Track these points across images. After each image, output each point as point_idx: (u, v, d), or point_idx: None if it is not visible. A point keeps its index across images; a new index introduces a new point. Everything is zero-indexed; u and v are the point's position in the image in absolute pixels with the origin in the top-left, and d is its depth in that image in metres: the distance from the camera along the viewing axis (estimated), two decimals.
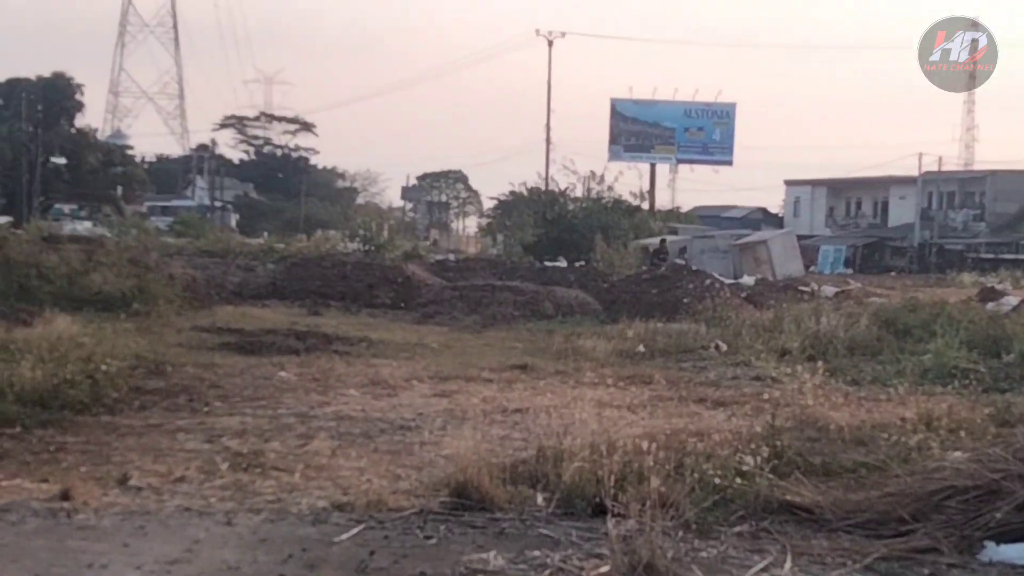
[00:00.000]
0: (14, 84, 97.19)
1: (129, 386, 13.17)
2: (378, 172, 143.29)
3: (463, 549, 6.80)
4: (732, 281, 33.79)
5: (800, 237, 52.78)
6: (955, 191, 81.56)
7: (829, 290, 34.19)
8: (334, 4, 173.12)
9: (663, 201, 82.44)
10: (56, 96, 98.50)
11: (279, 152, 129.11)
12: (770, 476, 8.14)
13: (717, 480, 7.92)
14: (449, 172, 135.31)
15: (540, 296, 27.81)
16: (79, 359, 13.40)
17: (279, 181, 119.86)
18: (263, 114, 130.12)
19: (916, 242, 76.71)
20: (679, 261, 38.40)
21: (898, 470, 8.29)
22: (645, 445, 8.17)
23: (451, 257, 50.48)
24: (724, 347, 18.93)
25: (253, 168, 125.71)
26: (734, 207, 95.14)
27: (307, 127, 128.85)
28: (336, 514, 7.55)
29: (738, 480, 8.01)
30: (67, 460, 9.36)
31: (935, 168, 77.70)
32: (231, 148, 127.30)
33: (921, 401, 12.25)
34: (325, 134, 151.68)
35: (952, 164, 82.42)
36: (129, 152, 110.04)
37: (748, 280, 36.22)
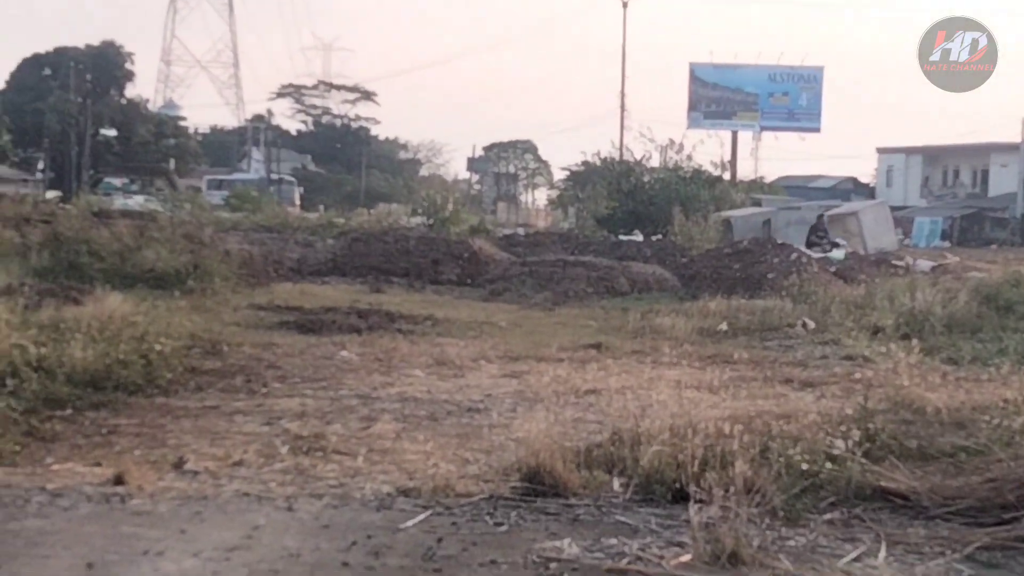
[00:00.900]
0: (62, 53, 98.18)
1: (184, 366, 13.28)
2: (442, 143, 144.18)
3: (535, 536, 6.80)
4: (820, 255, 33.45)
5: (893, 208, 52.16)
6: None
7: (925, 264, 33.82)
8: None
9: (746, 171, 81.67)
10: (106, 65, 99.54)
11: (338, 122, 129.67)
12: (862, 461, 8.03)
13: (806, 465, 7.83)
14: (517, 142, 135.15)
15: (615, 272, 27.73)
16: (132, 338, 13.53)
17: (338, 153, 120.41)
18: (321, 83, 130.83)
19: (1019, 213, 75.46)
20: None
21: (1001, 454, 8.14)
22: (728, 428, 8.10)
23: (520, 231, 50.42)
24: (812, 325, 18.76)
25: (311, 139, 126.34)
26: (822, 177, 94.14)
27: (368, 96, 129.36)
28: (401, 500, 7.57)
29: (828, 465, 7.92)
30: (120, 443, 9.45)
31: None
32: (288, 119, 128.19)
33: None
34: (387, 103, 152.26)
35: None
36: (182, 123, 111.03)
37: (838, 254, 35.83)
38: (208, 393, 12.04)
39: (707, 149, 62.05)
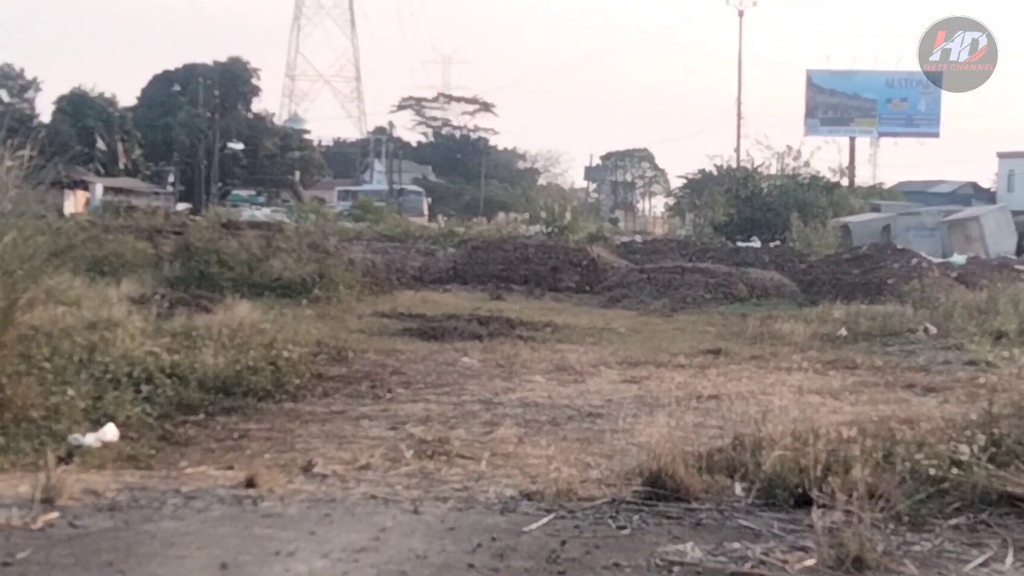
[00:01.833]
0: (191, 69, 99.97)
1: (311, 373, 13.44)
2: (560, 152, 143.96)
3: (658, 540, 6.75)
4: (941, 260, 32.89)
5: (1015, 213, 50.98)
6: None
7: None
8: None
9: (864, 177, 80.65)
10: (233, 81, 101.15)
11: (458, 133, 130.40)
12: (988, 466, 7.85)
13: (930, 470, 7.67)
14: (634, 151, 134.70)
15: (733, 278, 27.53)
16: (260, 345, 13.72)
17: (458, 163, 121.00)
18: (441, 95, 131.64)
19: None
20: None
21: None
22: (851, 433, 7.99)
23: (637, 238, 50.36)
24: (933, 330, 18.44)
25: (431, 150, 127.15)
26: (942, 182, 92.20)
27: (486, 107, 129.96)
28: (525, 503, 7.55)
29: (953, 470, 7.74)
30: (251, 447, 9.57)
31: None
32: (409, 130, 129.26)
33: None
34: (505, 114, 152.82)
35: None
36: (306, 136, 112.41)
37: (958, 259, 35.15)
38: (335, 398, 12.15)
39: (825, 155, 61.61)
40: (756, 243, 42.50)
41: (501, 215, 73.16)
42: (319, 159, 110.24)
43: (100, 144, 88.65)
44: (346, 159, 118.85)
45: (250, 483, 7.79)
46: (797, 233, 41.46)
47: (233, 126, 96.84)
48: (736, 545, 6.64)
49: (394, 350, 16.05)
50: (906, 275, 26.15)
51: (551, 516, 7.19)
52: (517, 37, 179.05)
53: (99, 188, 71.33)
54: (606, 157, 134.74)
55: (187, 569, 6.13)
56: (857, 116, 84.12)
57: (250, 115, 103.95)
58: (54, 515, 6.91)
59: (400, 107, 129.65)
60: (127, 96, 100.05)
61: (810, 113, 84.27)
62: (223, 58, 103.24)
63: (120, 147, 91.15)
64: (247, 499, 7.49)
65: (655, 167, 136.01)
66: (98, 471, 8.25)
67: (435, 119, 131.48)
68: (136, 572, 6.08)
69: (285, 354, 13.54)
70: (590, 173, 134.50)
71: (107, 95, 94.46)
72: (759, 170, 55.28)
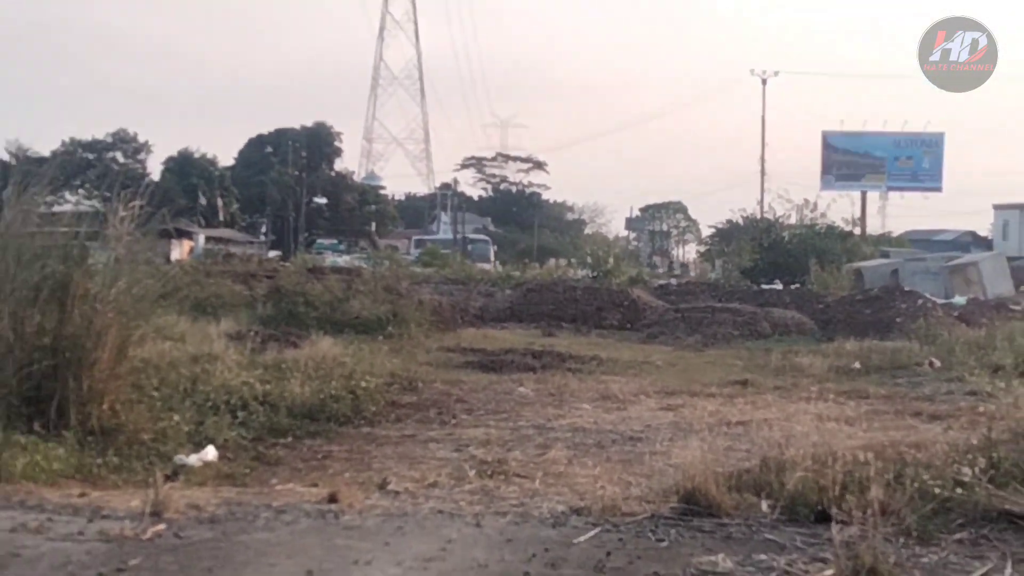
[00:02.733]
0: (281, 133, 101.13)
1: (385, 400, 13.47)
2: (604, 205, 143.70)
3: (693, 552, 6.68)
4: (943, 301, 32.48)
5: (1009, 259, 50.46)
6: None
7: None
8: (563, 53, 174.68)
9: (874, 226, 79.99)
10: (318, 143, 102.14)
11: (514, 189, 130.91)
12: (988, 486, 7.73)
13: (936, 489, 7.56)
14: (669, 203, 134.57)
15: (757, 317, 27.37)
16: (341, 376, 13.77)
17: (514, 215, 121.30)
18: (499, 155, 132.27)
19: None
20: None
21: None
22: (864, 456, 7.90)
23: (672, 281, 50.09)
24: (938, 364, 18.22)
25: (491, 203, 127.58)
26: (944, 231, 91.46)
27: (539, 165, 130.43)
28: (574, 518, 7.50)
29: (957, 490, 7.64)
30: (333, 467, 9.59)
31: None
32: (471, 186, 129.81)
33: None
34: (555, 171, 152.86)
35: None
36: (381, 191, 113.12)
37: (959, 300, 34.70)
38: (406, 423, 12.16)
39: (839, 208, 61.24)
40: (778, 285, 42.20)
41: (552, 261, 73.15)
42: (393, 212, 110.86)
43: (202, 199, 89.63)
44: (416, 211, 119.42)
45: (332, 499, 7.79)
46: (815, 277, 41.27)
47: (318, 183, 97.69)
48: (763, 557, 6.57)
49: (458, 380, 16.04)
50: (913, 314, 25.92)
51: (598, 530, 7.14)
52: (566, 104, 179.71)
53: (201, 238, 71.97)
54: (645, 209, 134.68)
55: (278, 574, 6.14)
56: (868, 172, 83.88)
57: (333, 173, 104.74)
58: (161, 527, 6.94)
59: (463, 166, 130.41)
60: (226, 156, 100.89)
61: (826, 170, 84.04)
62: (309, 123, 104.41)
63: (220, 202, 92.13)
64: (330, 513, 7.48)
65: (688, 218, 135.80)
66: (200, 488, 8.29)
67: (494, 176, 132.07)
68: None
69: (363, 384, 13.59)
70: (630, 223, 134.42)
71: (209, 156, 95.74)
72: (780, 221, 55.10)
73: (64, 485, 8.15)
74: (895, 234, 77.10)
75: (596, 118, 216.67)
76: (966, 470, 7.97)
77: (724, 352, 22.29)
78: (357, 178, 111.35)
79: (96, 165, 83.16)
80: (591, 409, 13.47)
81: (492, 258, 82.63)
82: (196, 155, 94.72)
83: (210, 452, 9.41)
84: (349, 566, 6.29)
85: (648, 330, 26.85)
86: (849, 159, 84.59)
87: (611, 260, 47.68)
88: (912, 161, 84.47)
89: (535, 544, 6.79)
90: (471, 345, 21.74)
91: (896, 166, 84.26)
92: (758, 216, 59.60)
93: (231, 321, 19.76)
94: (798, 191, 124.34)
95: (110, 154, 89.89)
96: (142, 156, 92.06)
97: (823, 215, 55.04)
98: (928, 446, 9.22)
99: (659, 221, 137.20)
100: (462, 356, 19.60)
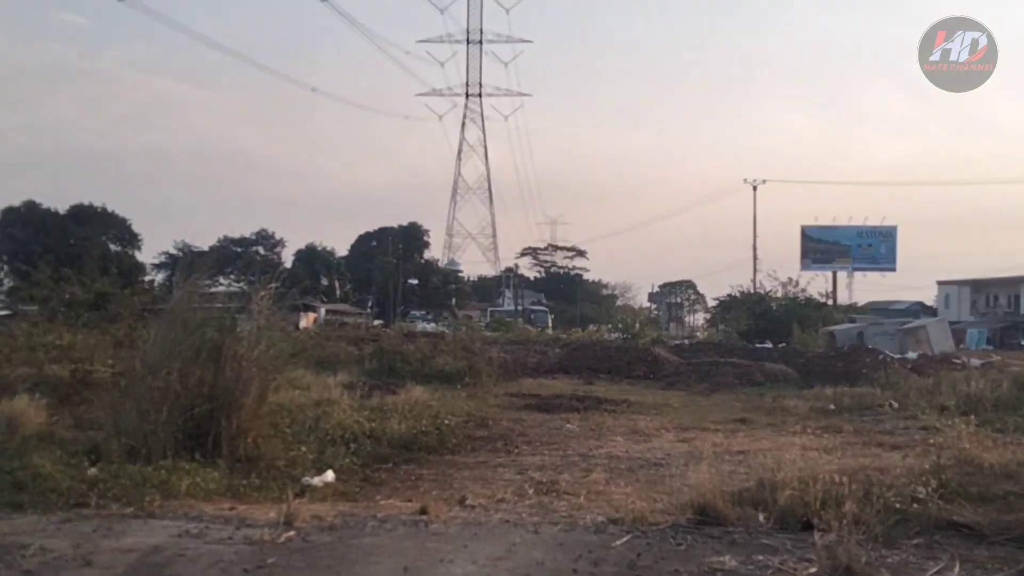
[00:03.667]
0: (384, 231, 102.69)
1: (463, 435, 13.43)
2: (631, 283, 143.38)
3: (705, 553, 6.57)
4: (899, 356, 31.93)
5: (951, 323, 49.67)
6: None
7: (976, 362, 31.87)
8: (599, 165, 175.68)
9: (843, 298, 79.03)
10: (411, 238, 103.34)
11: (561, 271, 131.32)
12: (939, 502, 7.58)
13: (897, 504, 7.41)
14: (682, 281, 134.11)
15: (753, 369, 27.04)
16: (429, 416, 13.78)
17: (562, 291, 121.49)
18: (550, 245, 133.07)
19: None
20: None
21: None
22: (840, 478, 7.76)
23: (685, 342, 49.78)
24: (896, 405, 17.88)
25: (544, 282, 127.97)
26: (898, 301, 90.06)
27: (581, 253, 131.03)
28: (611, 527, 7.41)
29: (914, 505, 7.48)
30: (423, 487, 9.56)
31: None
32: (528, 269, 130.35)
33: None
34: (594, 257, 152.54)
35: None
36: (459, 274, 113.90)
37: (912, 355, 34.09)
38: (479, 453, 12.11)
39: (816, 284, 60.56)
40: (768, 344, 41.76)
41: (591, 326, 72.78)
42: (468, 290, 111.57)
43: (323, 281, 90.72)
44: (486, 289, 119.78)
45: (423, 511, 7.77)
46: (797, 337, 41.00)
47: (411, 268, 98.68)
48: (760, 557, 6.45)
49: (519, 419, 15.99)
50: (875, 367, 25.62)
51: (630, 536, 7.06)
52: (602, 204, 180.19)
53: (322, 311, 72.66)
54: (663, 286, 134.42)
55: (381, 571, 6.12)
56: (837, 257, 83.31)
57: (422, 261, 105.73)
58: (292, 533, 6.95)
59: (522, 254, 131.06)
60: (342, 248, 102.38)
61: (804, 255, 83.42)
62: (405, 222, 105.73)
63: (336, 283, 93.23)
64: (421, 522, 7.46)
65: (697, 293, 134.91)
66: (321, 503, 8.29)
67: (546, 261, 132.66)
68: (347, 574, 6.08)
69: (446, 422, 13.60)
70: (652, 297, 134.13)
71: (328, 248, 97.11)
72: (770, 294, 54.80)
73: (217, 501, 8.19)
74: (860, 304, 76.14)
75: (625, 215, 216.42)
76: (921, 489, 7.85)
77: (727, 396, 22.03)
78: (441, 264, 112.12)
79: (243, 256, 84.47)
80: (623, 441, 13.35)
81: (550, 324, 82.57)
82: (319, 248, 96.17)
83: (329, 475, 9.42)
84: (436, 564, 6.26)
85: (667, 379, 26.60)
86: (822, 247, 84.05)
87: (637, 325, 47.64)
88: (872, 248, 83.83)
89: (581, 547, 6.72)
90: (529, 391, 21.69)
91: (859, 252, 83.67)
92: (752, 291, 59.10)
93: (345, 374, 19.86)
94: (783, 271, 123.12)
95: (254, 248, 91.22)
96: (278, 249, 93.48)
97: (803, 290, 54.69)
98: (890, 470, 9.05)
99: (674, 295, 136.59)
100: (522, 400, 19.54)
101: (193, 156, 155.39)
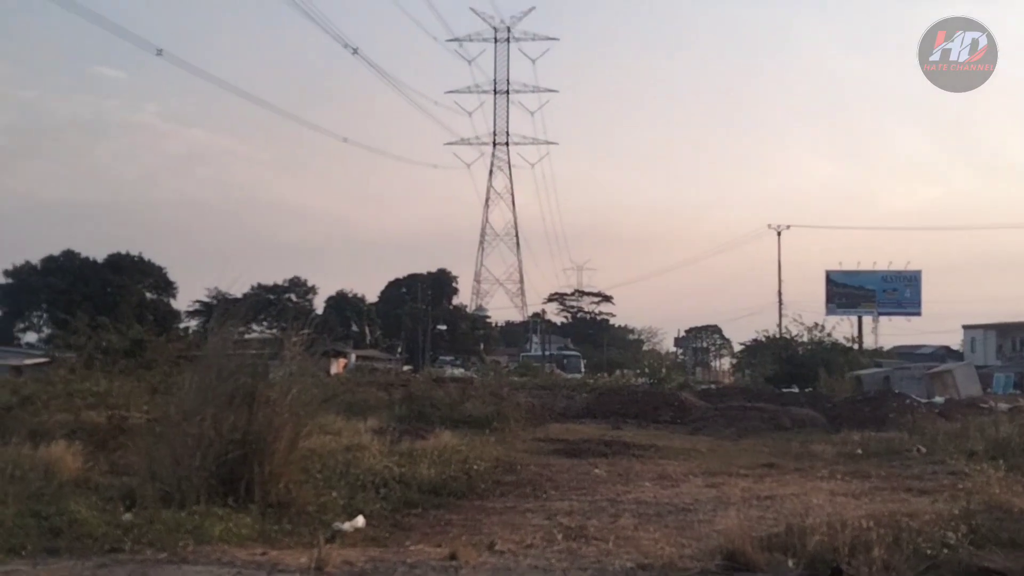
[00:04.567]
0: (413, 277, 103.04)
1: (492, 480, 13.35)
2: (657, 327, 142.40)
3: None
4: (926, 400, 31.53)
5: (977, 367, 49.06)
6: None
7: (1003, 406, 31.40)
8: (624, 212, 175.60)
9: (869, 343, 78.36)
10: (440, 284, 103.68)
11: (588, 316, 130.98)
12: (969, 547, 7.46)
13: (928, 550, 7.29)
14: (708, 326, 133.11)
15: (779, 414, 26.77)
16: (458, 461, 13.73)
17: (589, 336, 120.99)
18: (576, 291, 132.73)
19: None
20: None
21: None
22: (869, 523, 7.66)
23: (712, 387, 49.34)
24: (924, 450, 17.62)
25: (571, 328, 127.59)
26: (924, 346, 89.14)
27: (607, 299, 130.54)
28: (641, 572, 7.33)
29: (944, 550, 7.36)
30: (452, 532, 9.50)
31: None
32: (555, 315, 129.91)
33: None
34: (620, 302, 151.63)
35: None
36: (487, 320, 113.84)
37: (939, 400, 33.66)
38: (508, 497, 12.03)
39: (841, 328, 59.87)
40: (795, 389, 41.37)
41: (618, 371, 72.39)
42: (496, 335, 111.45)
43: (354, 327, 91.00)
44: (514, 335, 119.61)
45: (452, 556, 7.72)
46: (824, 382, 40.62)
47: (440, 314, 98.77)
48: None
49: (547, 464, 15.88)
50: (902, 411, 25.30)
51: None
52: (628, 250, 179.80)
53: (353, 356, 72.73)
54: (689, 331, 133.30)
55: None
56: (862, 302, 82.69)
57: (451, 307, 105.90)
58: None
59: (549, 300, 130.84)
60: (371, 295, 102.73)
61: (829, 299, 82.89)
62: (434, 269, 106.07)
63: (367, 329, 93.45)
64: (451, 567, 7.42)
65: (723, 337, 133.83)
66: (351, 548, 8.26)
67: (572, 307, 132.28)
68: None
69: (475, 467, 13.54)
70: (678, 342, 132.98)
71: (359, 295, 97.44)
72: (795, 339, 54.30)
73: (249, 546, 8.18)
74: (886, 348, 75.58)
75: (651, 261, 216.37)
76: (951, 535, 7.72)
77: (754, 441, 21.80)
78: (469, 310, 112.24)
79: (276, 304, 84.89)
80: (651, 486, 13.23)
81: (582, 369, 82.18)
82: (349, 295, 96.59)
83: (360, 520, 9.39)
84: None
85: (694, 424, 26.37)
86: (847, 291, 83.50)
87: (664, 370, 47.31)
88: (897, 292, 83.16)
89: None
90: (557, 436, 21.53)
91: (884, 296, 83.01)
92: (778, 335, 58.68)
93: (375, 419, 19.84)
94: (808, 316, 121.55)
95: (286, 295, 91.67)
96: (310, 296, 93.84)
97: (829, 334, 54.09)
98: (919, 515, 8.91)
99: (700, 340, 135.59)
100: (550, 445, 19.41)
101: (227, 205, 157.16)
